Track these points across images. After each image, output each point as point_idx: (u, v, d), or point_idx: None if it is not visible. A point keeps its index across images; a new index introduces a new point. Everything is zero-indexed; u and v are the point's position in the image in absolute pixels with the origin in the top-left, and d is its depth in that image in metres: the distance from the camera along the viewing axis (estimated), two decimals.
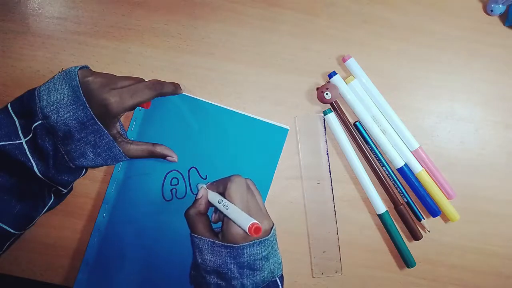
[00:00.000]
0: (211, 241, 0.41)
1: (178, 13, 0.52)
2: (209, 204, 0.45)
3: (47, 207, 0.44)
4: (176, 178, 0.50)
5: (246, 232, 0.39)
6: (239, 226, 0.40)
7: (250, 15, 0.53)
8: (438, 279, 0.53)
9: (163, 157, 0.47)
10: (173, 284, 0.49)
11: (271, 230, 0.43)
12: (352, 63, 0.52)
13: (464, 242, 0.53)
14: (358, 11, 0.54)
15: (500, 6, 0.53)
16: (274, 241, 0.44)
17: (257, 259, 0.41)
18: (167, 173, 0.50)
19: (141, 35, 0.52)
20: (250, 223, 0.38)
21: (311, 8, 0.54)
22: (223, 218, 0.43)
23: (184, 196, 0.50)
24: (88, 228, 0.49)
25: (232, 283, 0.40)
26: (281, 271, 0.44)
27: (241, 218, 0.39)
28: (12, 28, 0.51)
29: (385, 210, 0.51)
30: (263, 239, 0.41)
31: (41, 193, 0.43)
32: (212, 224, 0.45)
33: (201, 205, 0.44)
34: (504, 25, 0.55)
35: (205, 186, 0.47)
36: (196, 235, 0.42)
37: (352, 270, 0.52)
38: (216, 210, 0.47)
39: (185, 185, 0.50)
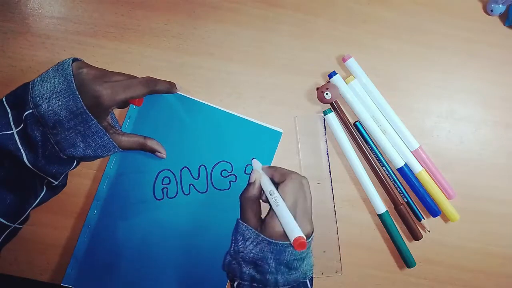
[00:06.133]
0: (256, 233, 0.41)
1: (178, 13, 0.52)
2: (261, 188, 0.44)
3: (39, 199, 0.44)
4: (168, 178, 0.50)
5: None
6: (285, 232, 0.40)
7: (250, 15, 0.53)
8: (438, 279, 0.53)
9: (153, 151, 0.48)
10: (161, 282, 0.49)
11: (311, 234, 0.43)
12: (352, 63, 0.52)
13: (464, 242, 0.53)
14: (358, 11, 0.54)
15: (500, 6, 0.53)
16: (311, 244, 0.44)
17: (295, 259, 0.41)
18: (159, 172, 0.49)
19: (141, 35, 0.52)
20: (297, 236, 0.38)
21: (311, 8, 0.54)
22: (270, 207, 0.43)
23: (175, 195, 0.50)
24: (81, 225, 0.49)
25: (267, 277, 0.40)
26: (312, 273, 0.44)
27: (290, 225, 0.39)
28: (12, 28, 0.51)
29: (385, 210, 0.51)
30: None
31: (33, 184, 0.43)
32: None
33: (254, 190, 0.44)
34: (504, 25, 0.55)
35: (259, 164, 0.46)
36: (243, 223, 0.42)
37: (352, 270, 0.52)
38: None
39: (177, 184, 0.50)
